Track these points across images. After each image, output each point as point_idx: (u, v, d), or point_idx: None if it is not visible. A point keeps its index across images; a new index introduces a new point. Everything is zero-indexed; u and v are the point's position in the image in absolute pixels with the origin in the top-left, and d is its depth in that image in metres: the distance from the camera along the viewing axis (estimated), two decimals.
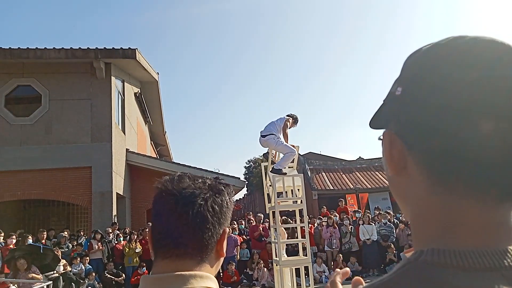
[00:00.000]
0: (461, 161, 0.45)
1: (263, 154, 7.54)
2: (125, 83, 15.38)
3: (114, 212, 12.82)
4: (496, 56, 0.46)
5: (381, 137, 0.56)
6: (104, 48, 13.08)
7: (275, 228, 7.31)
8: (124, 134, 15.06)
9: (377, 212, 13.18)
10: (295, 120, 7.16)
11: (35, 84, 13.08)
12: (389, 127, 0.54)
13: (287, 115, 7.07)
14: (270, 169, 7.00)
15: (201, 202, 0.87)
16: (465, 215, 0.46)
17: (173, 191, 0.88)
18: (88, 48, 12.93)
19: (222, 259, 0.94)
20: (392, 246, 11.36)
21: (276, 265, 6.89)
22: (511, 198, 0.47)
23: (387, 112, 0.55)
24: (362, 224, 11.91)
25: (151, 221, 0.92)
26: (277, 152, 7.42)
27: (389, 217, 12.62)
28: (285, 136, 6.87)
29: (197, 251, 0.86)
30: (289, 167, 7.30)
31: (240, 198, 38.60)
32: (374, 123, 0.58)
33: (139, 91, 17.47)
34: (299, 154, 7.44)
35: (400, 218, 12.68)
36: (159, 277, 0.84)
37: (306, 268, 6.99)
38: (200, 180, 0.92)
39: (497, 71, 0.45)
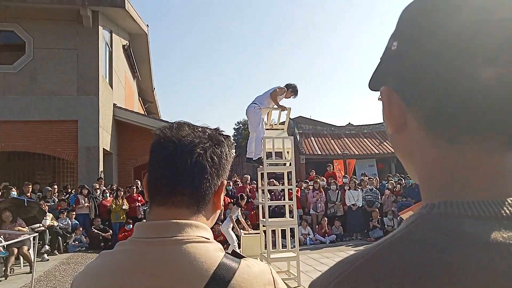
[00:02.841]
0: (462, 110, 0.44)
1: None
2: (113, 34, 14.82)
3: (101, 168, 12.70)
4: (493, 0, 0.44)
5: (380, 96, 0.54)
6: None
7: (263, 190, 7.31)
8: (112, 88, 14.69)
9: (363, 178, 13.33)
10: (293, 90, 6.82)
11: (18, 30, 12.50)
12: (387, 84, 0.52)
13: (285, 85, 6.80)
14: (247, 158, 7.03)
15: (200, 152, 0.85)
16: (471, 166, 0.45)
17: (172, 138, 0.85)
18: None
19: (218, 212, 0.92)
20: (377, 211, 11.58)
21: (263, 226, 6.94)
22: None
23: (384, 69, 0.53)
24: (349, 190, 12.06)
25: (147, 168, 0.87)
26: (270, 116, 7.31)
27: (375, 183, 12.79)
28: (275, 101, 6.66)
29: (194, 201, 0.84)
30: (279, 129, 7.20)
31: None
32: (373, 84, 0.56)
33: (128, 44, 16.90)
34: (289, 118, 7.31)
35: (386, 185, 12.87)
36: (154, 223, 0.81)
37: (292, 230, 7.07)
38: (200, 129, 0.89)
39: (495, 15, 0.43)
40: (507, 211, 0.42)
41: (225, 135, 0.93)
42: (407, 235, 0.44)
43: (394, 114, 0.51)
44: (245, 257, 0.82)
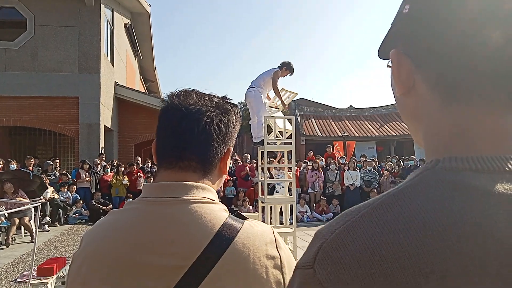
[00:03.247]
0: (470, 71, 0.45)
1: None
2: (115, 12, 14.70)
3: (102, 144, 12.79)
4: None
5: (389, 63, 0.54)
6: None
7: (262, 168, 7.40)
8: (113, 66, 14.65)
9: (363, 159, 13.42)
10: (288, 67, 6.49)
11: (19, 7, 12.42)
12: (397, 48, 0.52)
13: (278, 65, 6.50)
14: (253, 142, 6.77)
15: (207, 120, 0.86)
16: (477, 125, 0.46)
17: (179, 106, 0.87)
18: None
19: (224, 176, 0.95)
20: (375, 191, 11.71)
21: (262, 202, 7.04)
22: None
23: (395, 33, 0.53)
24: (348, 170, 12.17)
25: (156, 133, 0.91)
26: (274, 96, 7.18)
27: (374, 164, 12.88)
28: (277, 92, 6.40)
29: (201, 166, 0.86)
30: (274, 107, 7.11)
31: None
32: (383, 50, 0.56)
33: (130, 23, 16.77)
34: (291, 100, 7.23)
35: (385, 166, 12.96)
36: (162, 184, 0.84)
37: (290, 207, 7.17)
38: (207, 98, 0.90)
39: None
40: (510, 166, 0.43)
41: (232, 104, 0.94)
42: (411, 187, 0.45)
43: (403, 75, 0.51)
44: (248, 219, 0.85)
